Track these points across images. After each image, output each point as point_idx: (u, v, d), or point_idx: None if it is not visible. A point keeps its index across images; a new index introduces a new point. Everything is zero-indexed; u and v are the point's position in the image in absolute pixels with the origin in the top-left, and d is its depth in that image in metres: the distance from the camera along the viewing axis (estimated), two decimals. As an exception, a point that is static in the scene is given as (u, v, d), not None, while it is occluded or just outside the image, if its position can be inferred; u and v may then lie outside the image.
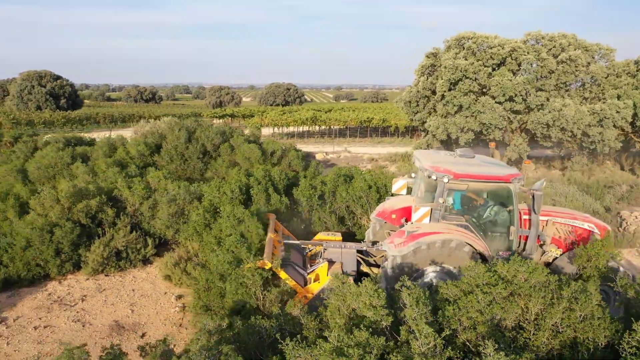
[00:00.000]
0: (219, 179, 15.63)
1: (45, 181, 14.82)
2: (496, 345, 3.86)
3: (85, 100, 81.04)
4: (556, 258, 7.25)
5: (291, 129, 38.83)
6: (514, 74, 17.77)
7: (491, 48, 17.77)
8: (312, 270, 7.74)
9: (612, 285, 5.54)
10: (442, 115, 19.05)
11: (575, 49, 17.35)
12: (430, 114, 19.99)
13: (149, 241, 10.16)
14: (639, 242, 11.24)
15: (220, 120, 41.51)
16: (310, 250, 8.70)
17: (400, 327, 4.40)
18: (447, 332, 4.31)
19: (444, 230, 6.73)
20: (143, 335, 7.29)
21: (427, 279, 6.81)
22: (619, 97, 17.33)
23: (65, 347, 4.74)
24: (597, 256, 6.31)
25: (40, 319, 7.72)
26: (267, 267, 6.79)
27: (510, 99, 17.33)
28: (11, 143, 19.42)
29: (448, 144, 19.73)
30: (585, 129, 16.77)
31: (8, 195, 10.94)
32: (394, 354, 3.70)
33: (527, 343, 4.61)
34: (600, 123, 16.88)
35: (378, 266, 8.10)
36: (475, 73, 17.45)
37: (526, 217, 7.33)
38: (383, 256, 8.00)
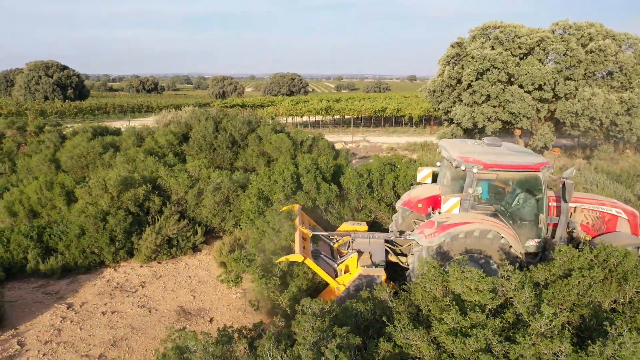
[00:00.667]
0: (250, 169, 15.72)
1: (78, 170, 14.90)
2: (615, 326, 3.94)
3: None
4: (585, 244, 7.26)
5: (304, 118, 38.77)
6: (542, 63, 17.72)
7: (519, 37, 17.70)
8: (342, 261, 7.68)
9: None
10: (468, 104, 19.03)
11: (603, 39, 17.29)
12: (455, 103, 19.98)
13: (198, 229, 10.25)
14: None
15: (231, 110, 41.30)
16: (337, 241, 8.59)
17: (506, 310, 4.49)
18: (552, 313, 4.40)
19: (475, 220, 6.68)
20: (211, 320, 7.39)
21: None
22: (646, 86, 17.35)
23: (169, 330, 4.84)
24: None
25: (105, 304, 7.83)
26: (300, 261, 6.75)
27: (540, 88, 17.30)
28: (35, 133, 19.40)
29: (472, 132, 19.75)
30: (613, 117, 16.79)
31: (53, 184, 10.98)
32: (521, 334, 3.79)
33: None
34: (629, 112, 16.90)
35: (405, 255, 8.10)
36: (503, 62, 17.40)
37: (553, 204, 7.28)
38: (410, 245, 7.93)
